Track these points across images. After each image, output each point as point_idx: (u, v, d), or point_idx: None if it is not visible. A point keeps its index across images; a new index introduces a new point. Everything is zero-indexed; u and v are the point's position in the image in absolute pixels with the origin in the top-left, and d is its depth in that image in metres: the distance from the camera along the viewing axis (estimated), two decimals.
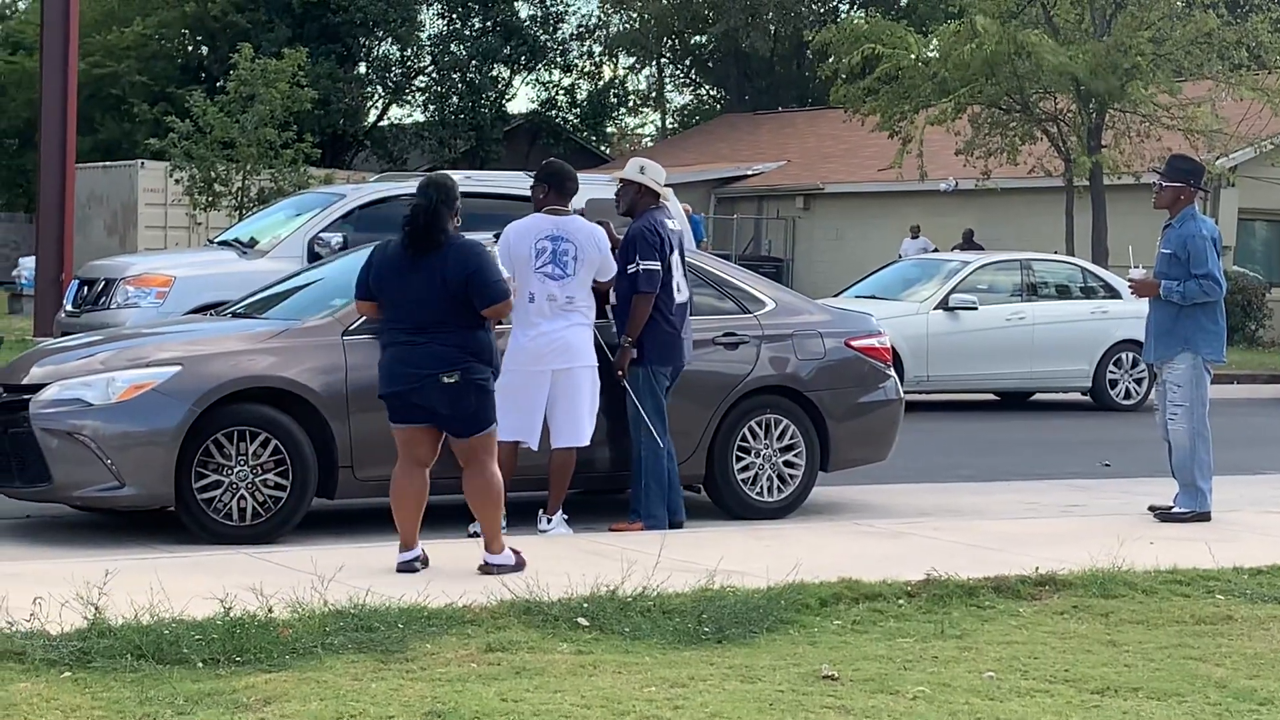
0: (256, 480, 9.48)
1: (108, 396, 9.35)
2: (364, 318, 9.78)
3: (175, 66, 44.48)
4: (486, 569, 8.24)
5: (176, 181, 29.03)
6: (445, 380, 8.12)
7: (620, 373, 10.00)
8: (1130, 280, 11.04)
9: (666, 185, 10.57)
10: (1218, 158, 27.97)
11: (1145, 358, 11.12)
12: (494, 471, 8.37)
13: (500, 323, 8.91)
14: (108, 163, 36.48)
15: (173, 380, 9.39)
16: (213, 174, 27.62)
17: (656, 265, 9.97)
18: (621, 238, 10.22)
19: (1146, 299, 10.86)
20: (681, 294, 10.19)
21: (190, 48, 46.87)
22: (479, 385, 8.21)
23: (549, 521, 9.93)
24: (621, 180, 10.34)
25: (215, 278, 15.32)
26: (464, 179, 16.86)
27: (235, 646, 6.40)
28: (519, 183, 16.87)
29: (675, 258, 10.16)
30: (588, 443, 9.93)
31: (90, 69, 42.13)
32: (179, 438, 9.29)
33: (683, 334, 10.20)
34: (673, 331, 10.10)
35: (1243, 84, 26.86)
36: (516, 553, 8.41)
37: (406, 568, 8.28)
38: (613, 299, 10.17)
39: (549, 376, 9.70)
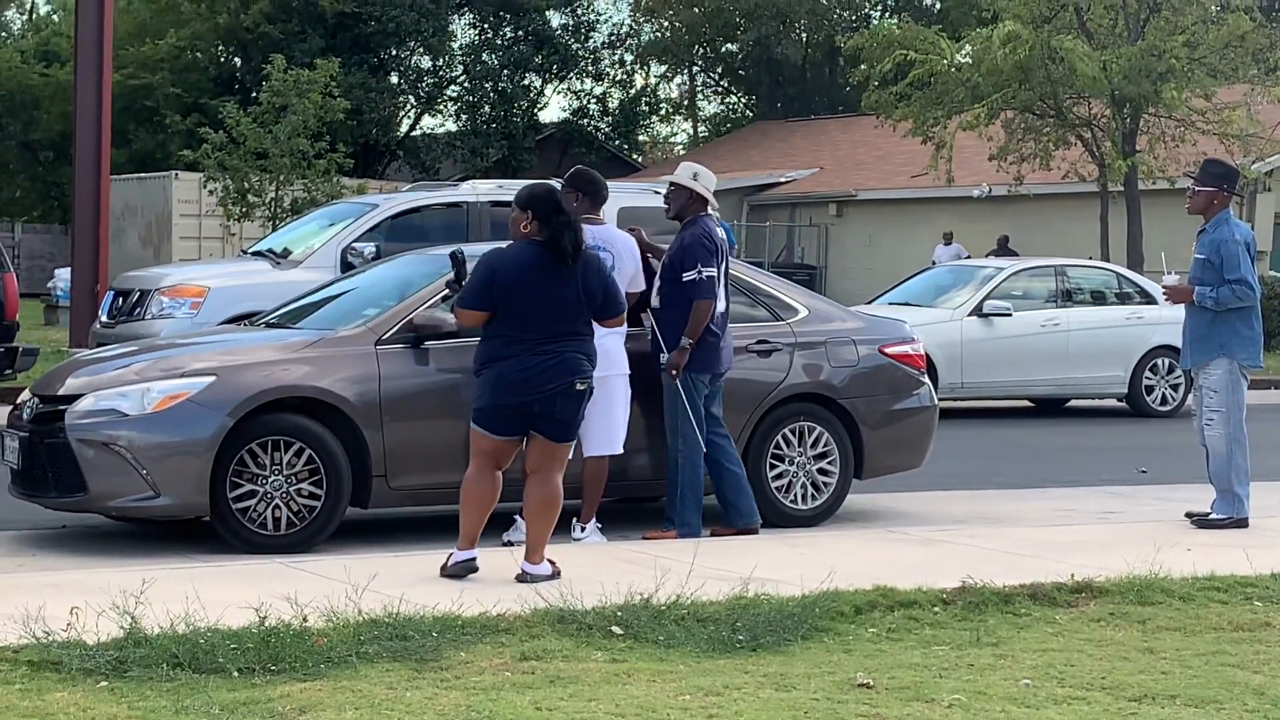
0: (291, 490, 9.51)
1: (143, 407, 9.38)
2: (397, 327, 9.84)
3: (208, 78, 44.67)
4: (523, 578, 8.24)
5: (210, 192, 29.13)
6: (579, 387, 8.24)
7: (674, 373, 9.98)
8: (1164, 286, 10.99)
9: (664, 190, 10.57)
10: (1254, 162, 27.82)
11: (1182, 364, 11.07)
12: (559, 484, 8.41)
13: None
14: (142, 174, 36.66)
15: (207, 390, 9.42)
16: (246, 185, 27.71)
17: (714, 271, 10.01)
18: (655, 245, 10.24)
19: (1182, 305, 10.81)
20: (722, 303, 10.20)
21: (223, 59, 47.08)
22: (592, 392, 8.40)
23: (583, 529, 9.93)
24: (673, 184, 10.32)
25: (249, 288, 15.38)
26: (497, 188, 16.99)
27: (270, 655, 6.41)
28: None
29: (724, 266, 10.19)
30: (621, 451, 9.93)
31: (124, 81, 42.35)
32: (214, 447, 9.32)
33: (723, 342, 10.21)
34: (714, 340, 10.10)
35: (1275, 85, 26.73)
36: (553, 563, 8.41)
37: (467, 567, 8.28)
38: (655, 303, 10.17)
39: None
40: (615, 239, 9.85)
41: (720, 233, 10.31)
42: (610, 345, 9.71)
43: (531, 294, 8.22)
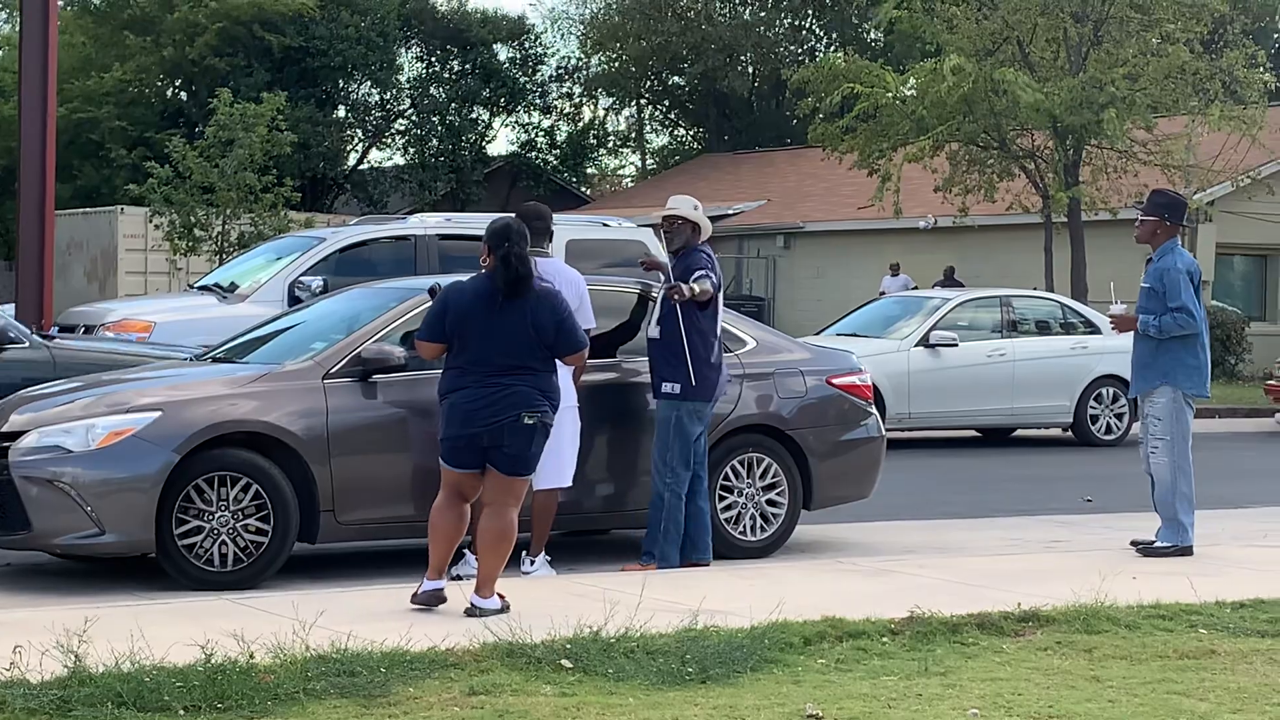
0: (238, 525, 9.45)
1: (88, 443, 9.32)
2: (344, 361, 9.83)
3: (154, 112, 44.46)
4: (472, 611, 8.22)
5: (156, 227, 29.00)
6: (526, 421, 8.25)
7: (676, 298, 9.96)
8: (1111, 315, 11.08)
9: (646, 227, 10.64)
10: (1195, 192, 28.09)
11: (1131, 392, 11.16)
12: (513, 519, 8.41)
13: None
14: (87, 209, 36.43)
15: (153, 426, 9.37)
16: (192, 219, 27.60)
17: (718, 280, 10.12)
18: (662, 262, 10.39)
19: (1129, 334, 10.90)
20: (719, 331, 10.28)
21: (169, 93, 46.84)
22: (546, 428, 8.39)
23: (532, 563, 9.92)
24: (679, 219, 10.35)
25: (195, 323, 15.30)
26: (445, 221, 16.98)
27: (217, 693, 6.37)
28: None
29: (720, 296, 10.26)
30: (569, 483, 9.93)
31: (69, 115, 42.05)
32: (159, 484, 9.26)
33: (721, 374, 10.27)
34: (709, 370, 10.12)
35: (1218, 114, 27.01)
36: (502, 597, 8.40)
37: (435, 596, 8.32)
38: (654, 333, 10.18)
39: None
40: (558, 273, 9.85)
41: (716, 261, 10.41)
42: (568, 379, 9.70)
43: (480, 327, 8.29)
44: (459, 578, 9.62)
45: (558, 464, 9.75)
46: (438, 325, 8.44)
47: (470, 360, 8.32)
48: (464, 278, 8.75)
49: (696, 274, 10.06)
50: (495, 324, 8.29)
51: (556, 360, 8.52)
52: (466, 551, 9.83)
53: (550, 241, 10.15)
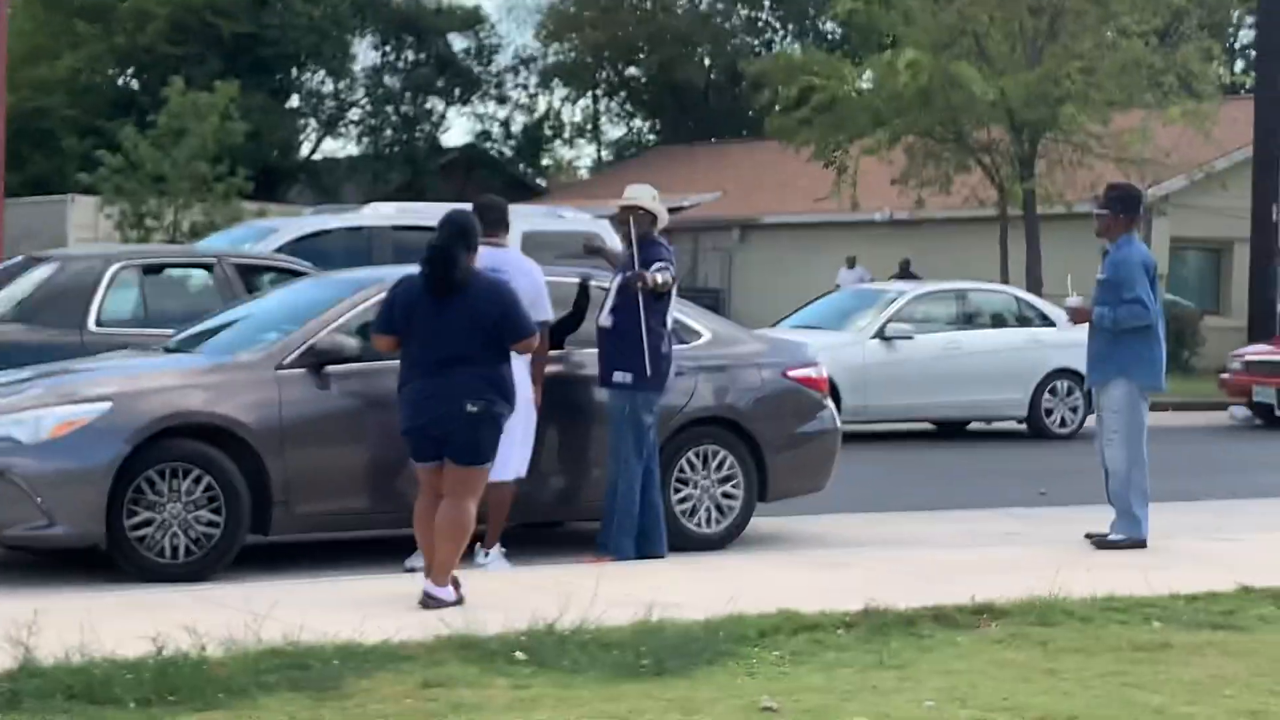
0: (189, 517, 9.38)
1: (38, 434, 9.24)
2: (297, 352, 9.77)
3: (105, 100, 44.13)
4: (427, 600, 8.21)
5: (107, 216, 28.81)
6: (470, 409, 8.25)
7: (640, 284, 9.96)
8: (1067, 307, 11.11)
9: (602, 218, 10.62)
10: (1149, 186, 28.24)
11: (1087, 383, 11.19)
12: (471, 510, 8.40)
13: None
14: (38, 198, 36.17)
15: (104, 417, 9.29)
16: (144, 208, 27.44)
17: (671, 269, 10.12)
18: (612, 251, 10.38)
19: (1084, 326, 10.93)
20: (670, 323, 10.28)
21: (120, 82, 46.53)
22: (495, 417, 8.38)
23: (486, 555, 9.88)
24: (638, 208, 10.31)
25: None
26: (399, 212, 16.91)
27: (168, 686, 6.32)
28: None
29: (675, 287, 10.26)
30: (524, 475, 9.89)
31: (19, 104, 41.71)
32: (110, 475, 9.18)
33: (672, 365, 10.26)
34: (662, 361, 10.10)
35: (1173, 106, 27.15)
36: (458, 588, 8.37)
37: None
38: (606, 322, 10.15)
39: None
40: (515, 264, 9.82)
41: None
42: (523, 370, 9.67)
43: (424, 320, 8.35)
44: (413, 569, 9.58)
45: (507, 456, 9.68)
46: (387, 318, 8.55)
47: (417, 352, 8.39)
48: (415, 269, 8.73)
49: (657, 265, 10.04)
50: (437, 317, 8.33)
51: (513, 352, 8.49)
52: (478, 546, 9.81)
53: (507, 233, 10.11)
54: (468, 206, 9.43)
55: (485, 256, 9.74)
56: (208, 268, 13.30)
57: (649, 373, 10.03)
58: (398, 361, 9.52)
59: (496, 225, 9.89)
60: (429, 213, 16.77)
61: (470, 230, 8.53)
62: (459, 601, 8.24)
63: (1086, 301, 10.85)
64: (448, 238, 8.42)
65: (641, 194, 10.40)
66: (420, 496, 8.58)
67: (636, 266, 10.07)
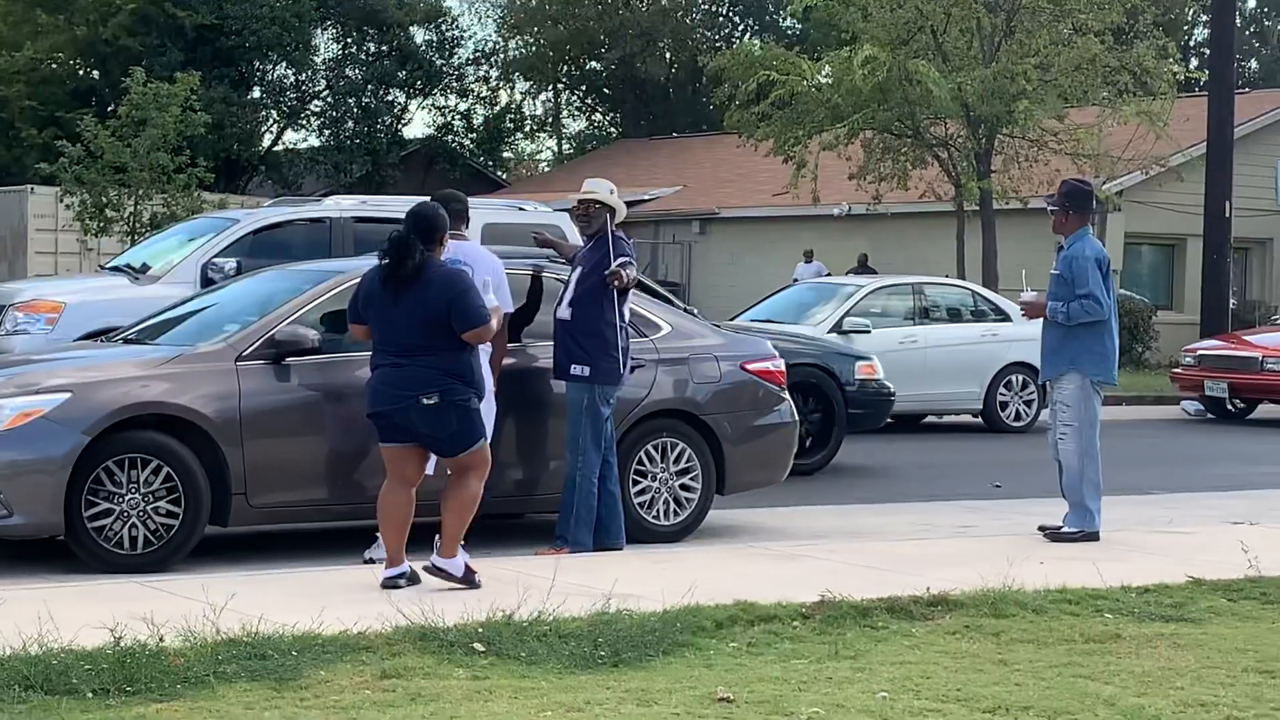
0: (148, 508, 9.39)
1: None
2: (258, 343, 9.79)
3: (66, 91, 43.87)
4: (434, 570, 8.54)
5: (67, 207, 28.62)
6: (425, 402, 8.44)
7: (616, 282, 9.99)
8: (1021, 302, 11.20)
9: (562, 211, 10.65)
10: (1104, 182, 28.40)
11: (1040, 376, 11.28)
12: (476, 486, 8.71)
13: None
14: None
15: (62, 407, 9.28)
16: (104, 199, 27.27)
17: (632, 260, 10.15)
18: (563, 244, 10.40)
19: (1038, 320, 11.03)
20: (627, 318, 10.30)
21: (81, 71, 46.26)
22: (459, 405, 8.52)
23: None
24: (597, 203, 10.34)
25: (107, 304, 15.12)
26: (360, 204, 16.90)
27: (126, 676, 6.34)
28: None
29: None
30: None
31: None
32: (69, 466, 9.18)
33: (626, 359, 10.27)
34: (619, 355, 10.13)
35: (1125, 105, 27.32)
36: (471, 570, 8.62)
37: (391, 583, 8.56)
38: (564, 315, 10.19)
39: None
40: (472, 252, 9.88)
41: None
42: (483, 364, 9.70)
43: (381, 309, 8.58)
44: (372, 560, 9.60)
45: None
46: (354, 308, 8.83)
47: (379, 341, 8.64)
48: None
49: (622, 260, 10.07)
50: (390, 307, 8.53)
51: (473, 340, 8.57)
52: (378, 535, 9.81)
53: (467, 225, 10.14)
54: (429, 200, 9.46)
55: (461, 249, 9.82)
56: None
57: (606, 365, 10.07)
58: (357, 353, 9.63)
59: (457, 218, 9.91)
60: (390, 205, 16.79)
61: (434, 224, 8.67)
62: (467, 581, 8.51)
63: (1040, 296, 10.95)
64: (407, 230, 8.58)
65: (599, 187, 10.44)
66: (387, 483, 8.73)
67: (613, 262, 10.06)
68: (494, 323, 8.79)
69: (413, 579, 8.63)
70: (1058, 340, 10.82)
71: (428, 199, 9.62)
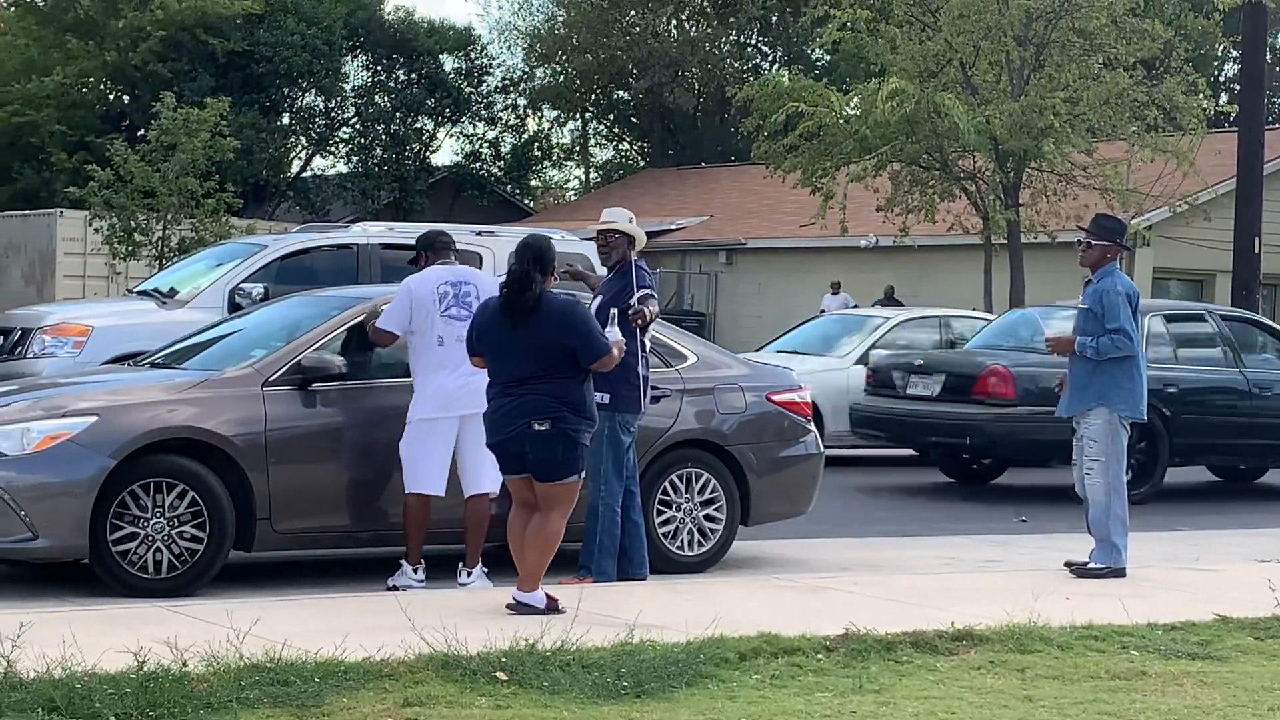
0: (173, 532, 9.40)
1: (22, 447, 9.25)
2: (284, 369, 9.84)
3: (96, 115, 44.13)
4: (515, 606, 8.64)
5: (96, 230, 28.78)
6: (536, 427, 8.62)
7: (639, 321, 9.98)
8: (1048, 337, 11.17)
9: (588, 240, 10.65)
10: (1133, 217, 28.34)
11: (1059, 411, 11.18)
12: (560, 524, 8.86)
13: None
14: (26, 211, 36.14)
15: (89, 431, 9.31)
16: (133, 223, 27.40)
17: (654, 296, 10.17)
18: (589, 275, 10.44)
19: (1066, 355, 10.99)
20: (648, 346, 10.28)
21: (111, 96, 46.53)
22: (568, 435, 8.70)
23: (468, 574, 9.89)
24: (616, 232, 10.34)
25: (134, 328, 15.20)
26: (387, 230, 16.95)
27: (149, 701, 6.33)
28: None
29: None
30: (496, 490, 9.86)
31: (9, 118, 41.78)
32: (94, 489, 9.20)
33: (648, 388, 10.25)
34: (640, 383, 10.11)
35: (1152, 145, 27.28)
36: (551, 598, 8.72)
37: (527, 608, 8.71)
38: None
39: (455, 424, 9.70)
40: (475, 274, 10.16)
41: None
42: (483, 384, 9.72)
43: (497, 343, 8.79)
44: (395, 588, 9.61)
45: (487, 470, 9.70)
46: (470, 341, 9.06)
47: (494, 372, 8.87)
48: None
49: (642, 293, 10.05)
50: (508, 339, 8.74)
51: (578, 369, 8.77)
52: (403, 563, 9.82)
53: (455, 255, 10.29)
54: (533, 234, 9.55)
55: (446, 271, 10.02)
56: None
57: (626, 394, 10.03)
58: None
59: (446, 249, 10.24)
60: (417, 232, 16.82)
61: (546, 255, 8.87)
62: (551, 609, 8.58)
63: (1065, 331, 10.91)
64: (524, 263, 8.76)
65: (618, 217, 10.42)
66: (512, 510, 8.96)
67: (635, 298, 10.03)
68: (615, 353, 9.01)
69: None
70: (1085, 375, 10.78)
71: (434, 228, 10.08)
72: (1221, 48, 43.04)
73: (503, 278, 9.06)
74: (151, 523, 9.35)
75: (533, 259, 8.76)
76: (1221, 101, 30.90)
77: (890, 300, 31.21)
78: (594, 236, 10.71)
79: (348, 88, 49.71)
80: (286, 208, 48.61)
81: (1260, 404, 16.99)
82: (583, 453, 8.84)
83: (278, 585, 9.87)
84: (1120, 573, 10.71)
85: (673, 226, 41.00)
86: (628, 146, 58.35)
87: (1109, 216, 11.22)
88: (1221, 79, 50.66)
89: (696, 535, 10.97)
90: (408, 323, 9.78)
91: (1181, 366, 16.76)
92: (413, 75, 49.81)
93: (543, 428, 8.63)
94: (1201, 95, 27.85)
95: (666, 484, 10.89)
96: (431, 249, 10.22)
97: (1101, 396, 10.72)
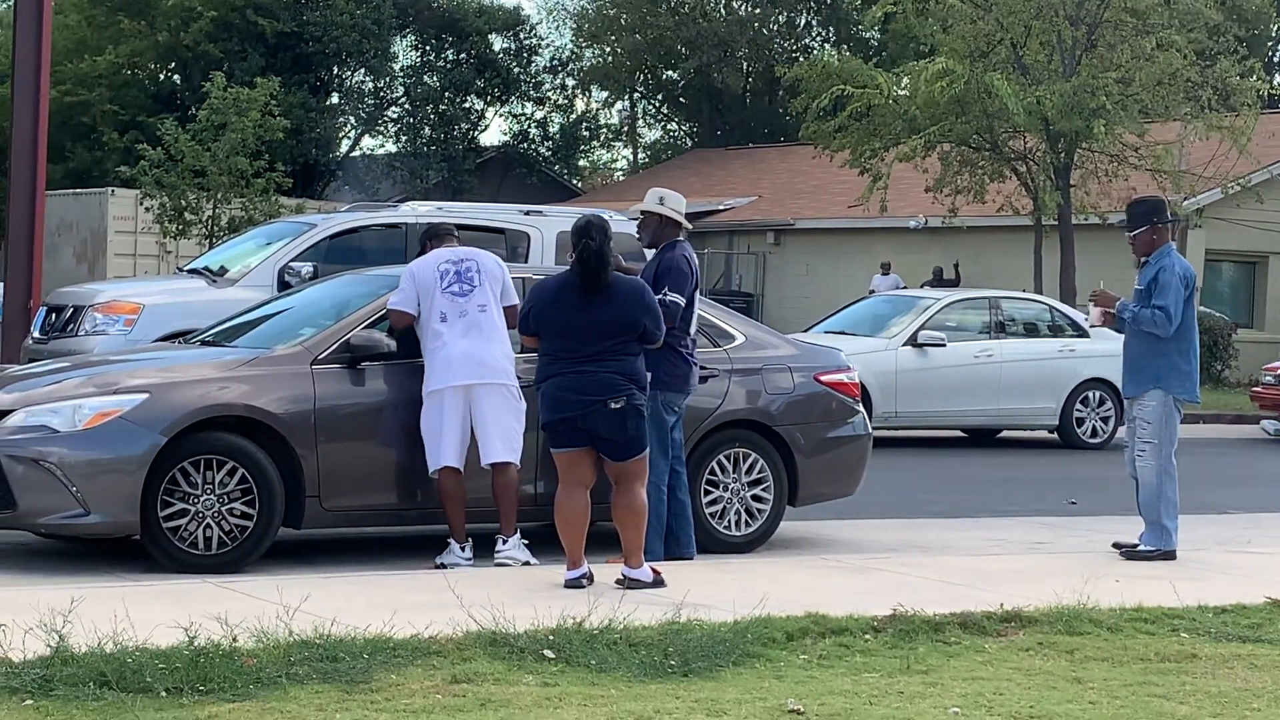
0: (223, 509, 9.45)
1: (74, 423, 9.31)
2: (333, 347, 9.86)
3: (147, 95, 44.36)
4: (624, 582, 8.74)
5: (147, 209, 28.96)
6: (613, 406, 8.71)
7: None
8: (1093, 292, 11.08)
9: (634, 219, 10.60)
10: (1185, 199, 28.14)
11: (1124, 391, 11.09)
12: (642, 494, 8.95)
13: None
14: (78, 190, 36.38)
15: (140, 408, 9.36)
16: (183, 202, 27.56)
17: (682, 300, 9.98)
18: (630, 266, 10.35)
19: (1109, 329, 10.94)
20: (694, 328, 10.22)
21: (162, 77, 46.75)
22: (638, 410, 8.82)
23: (505, 542, 9.87)
24: (642, 212, 10.33)
25: (184, 305, 15.28)
26: (436, 210, 16.98)
27: (199, 675, 6.38)
28: (492, 214, 16.92)
29: (697, 293, 10.20)
30: (518, 459, 9.86)
31: (61, 97, 41.94)
32: (145, 465, 9.26)
33: (693, 368, 10.21)
34: (686, 366, 10.08)
35: (1206, 122, 27.04)
36: (656, 571, 8.83)
37: (574, 584, 8.79)
38: None
39: (462, 394, 9.69)
40: (477, 253, 10.20)
41: (694, 258, 10.31)
42: (488, 354, 9.75)
43: (563, 320, 8.84)
44: (443, 566, 9.63)
45: (505, 437, 9.71)
46: (525, 320, 9.10)
47: (558, 349, 8.86)
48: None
49: (665, 288, 9.93)
50: (577, 316, 8.78)
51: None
52: (451, 541, 9.84)
53: (455, 240, 10.37)
54: (588, 214, 9.46)
55: (448, 252, 10.12)
56: None
57: (670, 374, 9.98)
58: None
59: (449, 236, 10.38)
60: (466, 211, 16.87)
61: (610, 234, 8.94)
62: (658, 584, 8.72)
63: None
64: (601, 241, 8.80)
65: (648, 198, 10.34)
66: (561, 488, 8.96)
67: (660, 291, 9.94)
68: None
69: (591, 578, 8.83)
70: (1142, 358, 10.69)
71: (436, 222, 10.46)
72: (1276, 28, 42.65)
73: (506, 258, 9.08)
74: (202, 499, 9.40)
75: (606, 236, 8.84)
76: (1276, 82, 30.64)
77: (940, 281, 31.10)
78: (636, 218, 10.70)
79: (396, 68, 49.81)
80: (335, 187, 48.78)
81: None
82: (645, 426, 8.94)
83: (327, 563, 9.92)
84: (1171, 555, 10.65)
85: (720, 207, 40.93)
86: (676, 127, 58.27)
87: (1138, 201, 11.06)
88: (1276, 59, 50.17)
89: (744, 515, 10.96)
90: (415, 303, 9.85)
91: None
92: (461, 55, 49.86)
93: (618, 405, 8.73)
94: (1256, 77, 27.62)
95: (714, 464, 10.88)
96: (434, 238, 10.39)
97: (1158, 379, 10.64)
